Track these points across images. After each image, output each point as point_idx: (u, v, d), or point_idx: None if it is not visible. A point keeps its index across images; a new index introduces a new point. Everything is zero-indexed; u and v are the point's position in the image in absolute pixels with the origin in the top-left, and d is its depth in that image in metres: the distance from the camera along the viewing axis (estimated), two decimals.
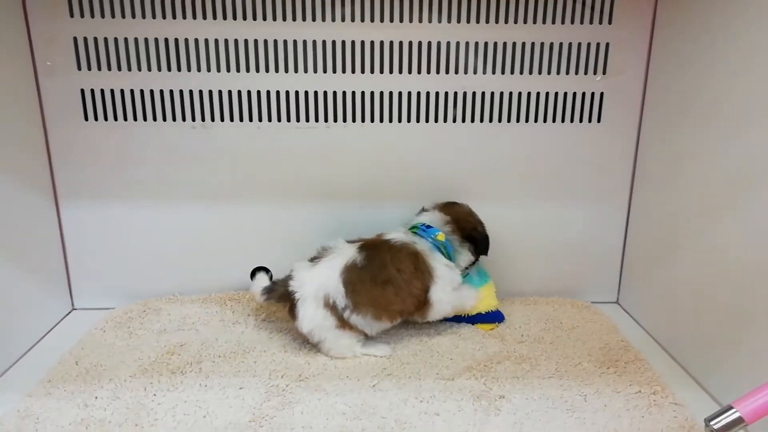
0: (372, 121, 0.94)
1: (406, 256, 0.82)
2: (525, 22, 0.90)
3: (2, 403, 0.70)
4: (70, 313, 0.97)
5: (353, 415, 0.69)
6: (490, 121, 0.94)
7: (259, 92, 0.91)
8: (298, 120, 0.93)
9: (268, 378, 0.76)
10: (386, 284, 0.80)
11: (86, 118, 0.91)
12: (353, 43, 0.90)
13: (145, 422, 0.67)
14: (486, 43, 0.91)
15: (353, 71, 0.91)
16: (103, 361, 0.79)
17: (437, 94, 0.93)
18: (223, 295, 0.98)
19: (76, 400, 0.71)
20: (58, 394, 0.72)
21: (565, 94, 0.93)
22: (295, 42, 0.89)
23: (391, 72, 0.91)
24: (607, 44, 0.91)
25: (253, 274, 1.00)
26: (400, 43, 0.90)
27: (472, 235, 0.88)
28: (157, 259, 0.98)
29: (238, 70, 0.90)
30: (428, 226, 0.87)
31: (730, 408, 0.50)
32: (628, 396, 0.73)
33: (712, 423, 0.50)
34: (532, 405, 0.71)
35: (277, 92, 0.91)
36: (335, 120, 0.93)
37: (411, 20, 0.89)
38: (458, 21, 0.89)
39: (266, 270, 0.98)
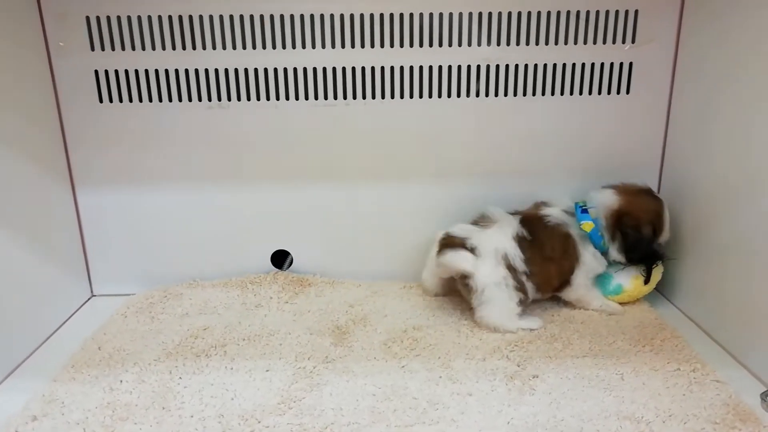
0: (392, 97, 0.91)
1: (558, 237, 0.84)
2: None
3: (27, 389, 0.69)
4: (89, 299, 0.96)
5: (384, 396, 0.67)
6: (515, 94, 0.91)
7: (276, 69, 0.89)
8: (316, 98, 0.90)
9: (295, 360, 0.74)
10: (548, 261, 0.84)
11: (101, 100, 0.89)
12: (372, 16, 0.86)
13: (172, 405, 0.65)
14: (510, 13, 0.87)
15: (372, 46, 0.88)
16: (126, 346, 0.78)
17: (459, 67, 0.90)
18: (244, 279, 0.96)
19: (101, 384, 0.69)
20: (82, 378, 0.71)
21: (593, 64, 0.90)
22: (312, 16, 0.86)
23: (411, 46, 0.88)
24: (636, 11, 0.88)
25: (273, 257, 0.98)
26: (420, 15, 0.87)
27: (622, 233, 0.84)
28: (176, 243, 0.96)
29: (254, 47, 0.87)
30: (584, 210, 0.86)
31: None
32: (666, 374, 0.71)
33: None
34: (568, 384, 0.69)
35: (294, 69, 0.89)
36: (354, 97, 0.91)
37: None
38: None
39: (288, 253, 0.96)
